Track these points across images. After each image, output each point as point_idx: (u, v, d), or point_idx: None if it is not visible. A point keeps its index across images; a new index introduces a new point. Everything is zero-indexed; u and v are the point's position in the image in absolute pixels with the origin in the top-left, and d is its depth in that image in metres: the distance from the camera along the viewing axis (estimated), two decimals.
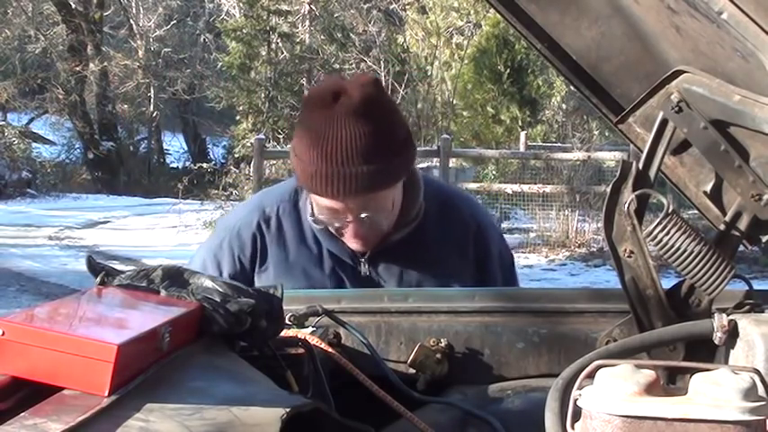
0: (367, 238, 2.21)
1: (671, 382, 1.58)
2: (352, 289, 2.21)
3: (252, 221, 2.28)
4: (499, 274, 2.37)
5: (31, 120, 27.70)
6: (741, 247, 1.80)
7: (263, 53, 20.91)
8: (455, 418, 1.84)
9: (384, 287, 2.24)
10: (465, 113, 20.94)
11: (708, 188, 1.83)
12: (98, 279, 1.57)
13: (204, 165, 19.08)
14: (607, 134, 18.83)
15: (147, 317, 1.43)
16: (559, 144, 18.88)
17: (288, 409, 1.32)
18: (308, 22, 21.92)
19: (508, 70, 19.83)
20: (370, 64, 20.57)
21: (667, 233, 1.70)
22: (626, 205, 1.71)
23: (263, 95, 20.68)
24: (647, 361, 1.63)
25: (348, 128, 2.05)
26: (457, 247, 2.30)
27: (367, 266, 2.26)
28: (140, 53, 26.90)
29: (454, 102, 20.75)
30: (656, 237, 1.70)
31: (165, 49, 27.06)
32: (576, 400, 1.32)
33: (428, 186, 2.29)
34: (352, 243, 2.23)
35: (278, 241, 2.26)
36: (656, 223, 1.71)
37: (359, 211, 2.13)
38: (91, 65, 25.12)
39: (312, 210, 2.22)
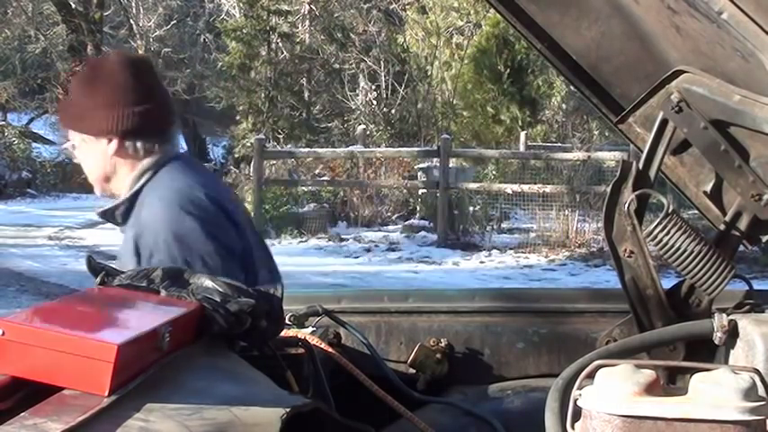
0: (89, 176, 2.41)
1: (671, 382, 1.58)
2: (351, 289, 2.21)
3: None
4: None
5: (31, 120, 27.68)
6: (741, 247, 1.80)
7: (263, 53, 20.91)
8: (455, 418, 1.84)
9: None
10: (465, 113, 20.93)
11: (708, 188, 1.83)
12: (98, 279, 1.57)
13: (204, 164, 19.05)
14: (607, 134, 18.81)
15: (147, 317, 1.43)
16: (559, 144, 18.87)
17: (288, 409, 1.32)
18: (307, 22, 21.92)
19: (508, 70, 19.82)
20: (370, 64, 20.58)
21: (667, 233, 1.70)
22: (626, 205, 1.71)
23: (262, 95, 20.68)
24: (647, 361, 1.62)
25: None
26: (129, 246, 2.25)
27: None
28: (140, 53, 26.90)
29: (454, 102, 20.74)
30: (656, 237, 1.70)
31: (165, 50, 27.07)
32: (576, 400, 1.32)
33: (160, 182, 2.27)
34: None
35: None
36: (656, 223, 1.71)
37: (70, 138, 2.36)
38: None
39: None
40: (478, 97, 20.33)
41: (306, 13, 21.76)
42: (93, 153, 2.34)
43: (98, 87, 2.34)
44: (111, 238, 16.54)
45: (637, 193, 1.71)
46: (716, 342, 1.68)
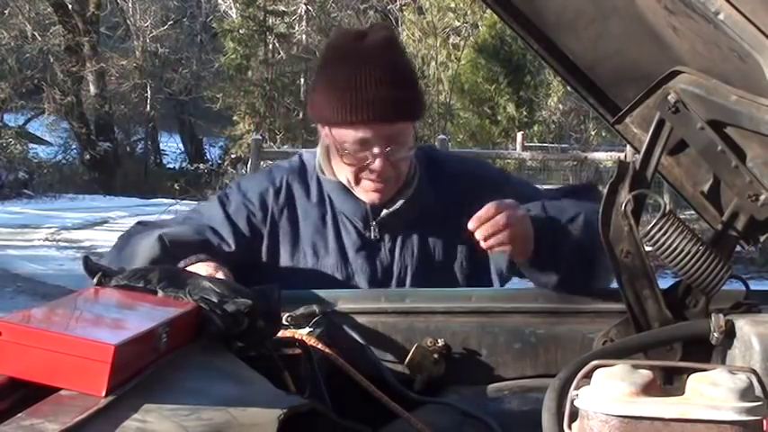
0: (386, 182, 2.21)
1: (668, 383, 1.58)
2: (349, 289, 2.21)
3: (262, 189, 2.30)
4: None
5: (28, 120, 27.65)
6: (738, 248, 1.80)
7: (261, 54, 20.91)
8: (452, 419, 1.84)
9: (388, 253, 2.24)
10: (462, 114, 20.96)
11: (705, 188, 1.83)
12: (95, 280, 1.57)
13: (201, 165, 19.06)
14: (604, 134, 18.83)
15: (144, 317, 1.43)
16: (556, 144, 18.90)
17: (285, 410, 1.33)
18: (304, 23, 21.93)
19: (505, 71, 19.85)
20: None
21: (664, 233, 1.70)
22: (623, 206, 1.71)
23: (260, 96, 20.68)
24: (644, 361, 1.63)
25: (378, 59, 2.16)
26: (453, 206, 2.21)
27: (377, 230, 2.24)
28: (137, 53, 26.88)
29: (451, 102, 20.77)
30: (653, 237, 1.71)
31: (162, 50, 27.04)
32: (573, 401, 1.32)
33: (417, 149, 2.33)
34: (370, 189, 2.22)
35: (288, 210, 2.28)
36: (653, 224, 1.71)
37: (386, 142, 2.15)
38: (88, 65, 25.09)
39: (324, 168, 2.27)
40: (475, 98, 20.35)
41: (302, 13, 21.76)
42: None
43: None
44: (107, 239, 16.52)
45: (634, 193, 1.71)
46: (713, 342, 1.68)
